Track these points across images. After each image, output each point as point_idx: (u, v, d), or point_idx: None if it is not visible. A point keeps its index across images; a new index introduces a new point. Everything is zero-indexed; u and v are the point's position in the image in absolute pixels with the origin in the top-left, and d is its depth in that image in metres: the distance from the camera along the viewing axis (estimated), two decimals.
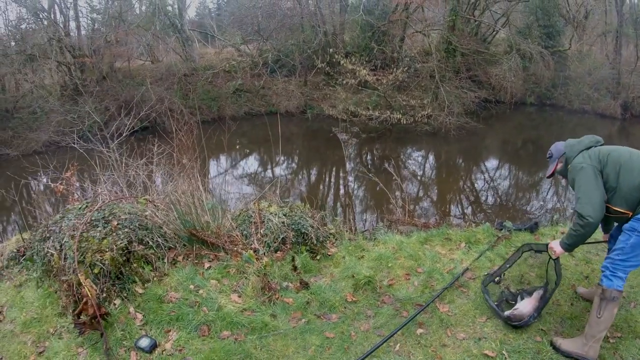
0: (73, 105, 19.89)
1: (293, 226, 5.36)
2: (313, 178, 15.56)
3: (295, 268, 4.92)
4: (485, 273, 4.94)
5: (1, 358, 4.45)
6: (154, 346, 3.90)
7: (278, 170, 16.49)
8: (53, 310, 4.79)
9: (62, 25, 23.47)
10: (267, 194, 6.60)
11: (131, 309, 4.39)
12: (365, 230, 6.66)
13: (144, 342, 3.94)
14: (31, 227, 6.72)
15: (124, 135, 7.21)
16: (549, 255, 4.22)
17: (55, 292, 4.96)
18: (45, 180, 7.04)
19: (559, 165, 3.97)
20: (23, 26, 24.71)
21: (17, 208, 13.35)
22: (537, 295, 4.24)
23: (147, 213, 5.09)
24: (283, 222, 5.33)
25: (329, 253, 5.42)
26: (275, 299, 4.44)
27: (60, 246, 4.93)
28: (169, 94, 19.56)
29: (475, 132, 18.31)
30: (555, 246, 3.87)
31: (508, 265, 4.64)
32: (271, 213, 5.43)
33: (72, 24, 24.18)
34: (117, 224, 4.80)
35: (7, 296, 5.42)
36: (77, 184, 6.59)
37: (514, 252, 4.69)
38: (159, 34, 24.35)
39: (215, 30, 29.73)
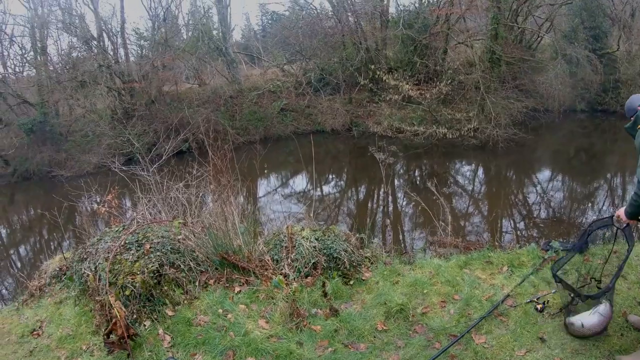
0: (123, 128, 20.54)
1: (325, 251, 5.26)
2: (361, 196, 15.44)
3: (325, 294, 4.81)
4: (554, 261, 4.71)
5: None
6: None
7: (326, 189, 16.48)
8: (87, 328, 4.91)
9: (111, 53, 24.42)
10: (305, 216, 6.53)
11: (160, 331, 4.43)
12: (405, 253, 6.47)
13: None
14: (76, 247, 6.92)
15: (163, 158, 7.36)
16: (617, 227, 4.05)
17: (90, 311, 5.09)
18: (90, 202, 7.23)
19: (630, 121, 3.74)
20: (74, 54, 25.89)
21: (70, 227, 13.83)
22: (604, 310, 3.92)
23: (180, 237, 5.12)
24: (314, 247, 5.23)
25: (363, 278, 5.27)
26: (303, 326, 4.35)
27: (95, 267, 5.06)
28: (216, 115, 19.93)
29: (524, 144, 17.78)
30: (621, 213, 3.77)
31: (577, 250, 4.48)
32: (303, 237, 5.34)
33: (121, 51, 25.12)
34: (150, 247, 4.87)
35: (47, 312, 5.62)
36: (119, 206, 6.71)
37: (580, 235, 4.48)
38: (204, 58, 24.93)
39: (261, 51, 30.17)
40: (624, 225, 3.89)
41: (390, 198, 14.35)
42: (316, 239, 5.33)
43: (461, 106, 19.77)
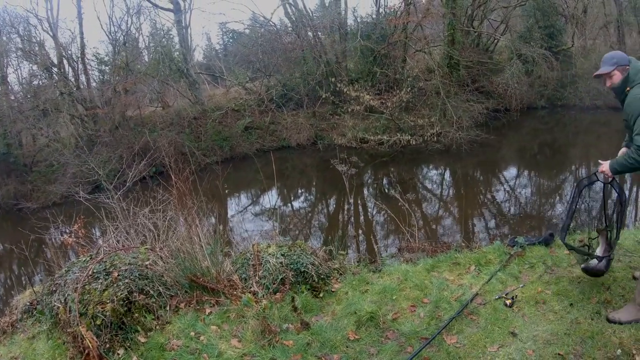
0: (88, 156, 20.30)
1: (292, 265, 5.29)
2: (331, 209, 15.51)
3: (295, 309, 4.85)
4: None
5: None
6: None
7: (296, 204, 16.51)
8: None
9: (72, 79, 24.14)
10: (270, 233, 6.58)
11: (134, 358, 4.43)
12: (373, 262, 6.53)
13: None
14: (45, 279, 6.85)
15: (127, 185, 7.37)
16: (602, 181, 4.30)
17: (64, 344, 5.02)
18: (58, 233, 7.16)
19: (617, 76, 3.77)
20: (35, 82, 25.54)
21: (41, 260, 13.59)
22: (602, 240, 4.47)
23: (147, 262, 5.14)
24: (281, 263, 5.27)
25: (332, 289, 5.33)
26: (275, 342, 4.37)
27: (65, 299, 5.02)
28: (181, 137, 19.85)
29: (488, 144, 18.16)
30: (605, 169, 3.93)
31: (574, 208, 4.62)
32: (269, 254, 5.38)
33: (82, 77, 24.85)
34: (118, 275, 4.87)
35: (20, 348, 5.56)
36: (87, 235, 6.67)
37: (573, 194, 4.58)
38: (166, 80, 24.84)
39: (224, 70, 30.17)
40: (610, 179, 4.13)
41: (360, 208, 14.46)
42: (282, 255, 5.37)
43: (423, 112, 20.04)
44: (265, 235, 9.42)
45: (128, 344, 4.57)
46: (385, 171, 17.57)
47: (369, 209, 14.24)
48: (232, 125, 22.86)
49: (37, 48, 24.39)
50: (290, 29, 24.47)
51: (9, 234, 21.93)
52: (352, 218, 13.84)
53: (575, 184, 4.63)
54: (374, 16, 24.36)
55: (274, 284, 5.11)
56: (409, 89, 18.29)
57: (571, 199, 4.57)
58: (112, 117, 22.29)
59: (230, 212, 15.95)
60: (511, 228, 11.10)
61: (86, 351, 4.26)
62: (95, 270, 4.95)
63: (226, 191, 16.88)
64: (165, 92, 25.90)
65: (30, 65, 25.61)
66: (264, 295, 4.99)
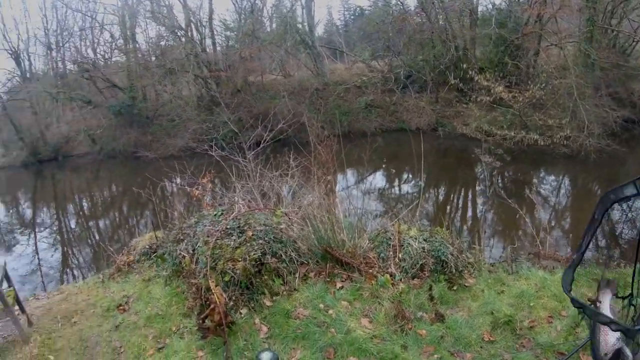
0: (208, 115, 20.99)
1: (433, 252, 5.01)
2: (440, 198, 15.02)
3: (432, 298, 4.59)
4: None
5: (120, 347, 4.61)
6: None
7: (405, 188, 16.16)
8: (178, 309, 4.91)
9: (198, 42, 25.03)
10: (404, 216, 6.29)
11: (257, 320, 4.36)
12: (504, 261, 6.11)
13: (266, 356, 3.76)
14: (165, 226, 6.97)
15: (261, 146, 7.31)
16: None
17: (182, 293, 5.09)
18: (181, 183, 7.29)
19: None
20: (162, 43, 26.84)
21: (151, 206, 14.23)
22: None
23: (282, 226, 5.02)
24: (423, 248, 5.00)
25: (466, 284, 5.00)
26: (408, 329, 4.14)
27: (193, 250, 5.03)
28: (301, 107, 19.91)
29: (615, 156, 16.73)
30: None
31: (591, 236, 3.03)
32: (411, 237, 5.11)
33: (208, 41, 25.77)
34: (252, 235, 4.77)
35: (134, 288, 5.72)
36: (212, 190, 6.72)
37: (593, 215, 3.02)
38: (290, 50, 25.06)
39: (344, 46, 30.04)
40: None
41: (469, 203, 13.89)
42: (424, 240, 5.09)
43: (552, 112, 18.80)
44: (372, 215, 9.19)
45: (252, 305, 4.50)
46: (501, 169, 16.72)
47: (478, 205, 13.62)
48: (353, 101, 22.67)
49: (165, 11, 25.47)
50: (419, 9, 23.71)
51: (124, 178, 23.38)
52: (465, 211, 13.31)
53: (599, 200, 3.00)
54: (506, 3, 23.13)
55: (413, 268, 4.84)
56: (542, 85, 17.16)
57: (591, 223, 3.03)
58: (235, 80, 22.91)
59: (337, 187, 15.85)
60: (622, 253, 10.15)
61: (211, 306, 4.18)
62: (228, 227, 4.88)
63: (384, 165, 16.82)
64: (287, 61, 26.20)
65: (158, 26, 26.96)
66: (401, 279, 4.73)
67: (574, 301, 3.01)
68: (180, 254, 5.33)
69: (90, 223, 17.58)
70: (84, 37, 33.03)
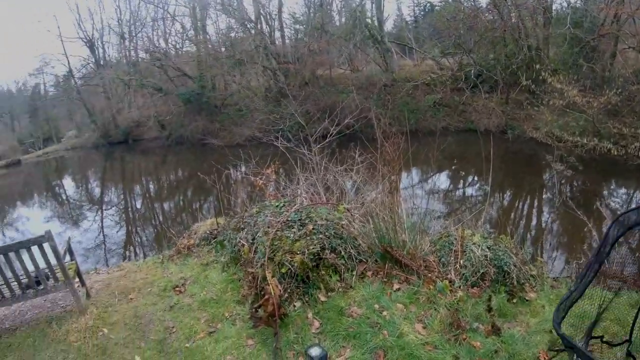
0: (276, 106, 21.19)
1: (496, 262, 4.81)
2: (505, 204, 14.55)
3: (490, 309, 4.39)
4: None
5: (173, 327, 4.71)
6: (324, 358, 3.64)
7: (470, 191, 15.79)
8: (232, 296, 4.99)
9: (267, 35, 25.36)
10: (467, 221, 6.08)
11: (309, 315, 4.34)
12: (567, 277, 5.78)
13: (315, 352, 3.74)
14: (227, 213, 7.13)
15: (327, 140, 7.28)
16: None
17: (238, 280, 5.16)
18: (245, 171, 7.36)
19: None
20: (232, 34, 27.45)
21: (215, 192, 14.44)
22: None
23: (343, 222, 4.95)
24: (486, 256, 4.81)
25: (527, 298, 4.77)
26: (462, 339, 3.98)
27: (253, 239, 5.08)
28: (368, 103, 19.71)
29: None
30: None
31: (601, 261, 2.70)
32: (474, 243, 4.94)
33: (277, 34, 26.11)
34: (313, 229, 4.74)
35: (192, 272, 5.86)
36: (275, 181, 6.74)
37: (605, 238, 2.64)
38: (358, 45, 24.95)
39: (413, 42, 29.63)
40: None
41: (534, 210, 13.38)
42: (487, 247, 4.90)
43: (627, 120, 17.82)
44: (432, 218, 8.97)
45: (307, 299, 4.48)
46: (571, 178, 15.99)
47: (544, 214, 13.09)
48: (421, 99, 22.32)
49: (235, 3, 25.94)
50: (490, 6, 22.96)
51: (190, 163, 23.99)
52: (529, 220, 12.82)
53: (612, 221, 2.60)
54: (582, 1, 21.97)
55: (474, 276, 4.67)
56: (618, 90, 16.27)
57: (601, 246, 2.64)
58: (303, 73, 23.04)
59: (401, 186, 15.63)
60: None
61: (266, 296, 4.20)
62: (289, 219, 4.88)
63: (453, 167, 16.46)
64: (355, 56, 26.11)
65: (228, 18, 27.52)
66: (460, 286, 4.59)
67: (564, 339, 2.79)
68: (239, 242, 5.40)
69: (155, 205, 18.15)
70: (156, 27, 34.83)
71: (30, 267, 4.99)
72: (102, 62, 40.11)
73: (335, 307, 4.38)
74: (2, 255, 4.82)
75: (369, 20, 25.62)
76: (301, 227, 4.81)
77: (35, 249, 4.94)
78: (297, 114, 14.60)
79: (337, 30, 25.19)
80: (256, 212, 5.61)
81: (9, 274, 4.96)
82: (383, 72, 23.80)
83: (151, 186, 22.57)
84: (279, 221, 4.85)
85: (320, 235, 4.71)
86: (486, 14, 22.60)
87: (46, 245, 4.93)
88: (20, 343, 5.15)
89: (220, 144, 21.85)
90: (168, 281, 5.79)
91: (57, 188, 28.28)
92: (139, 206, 18.71)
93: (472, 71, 22.12)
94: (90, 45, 38.85)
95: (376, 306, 4.36)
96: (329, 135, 7.22)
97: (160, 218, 15.89)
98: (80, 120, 46.23)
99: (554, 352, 3.55)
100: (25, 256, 4.90)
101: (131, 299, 5.58)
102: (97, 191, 24.53)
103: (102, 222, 15.31)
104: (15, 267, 4.88)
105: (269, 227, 4.94)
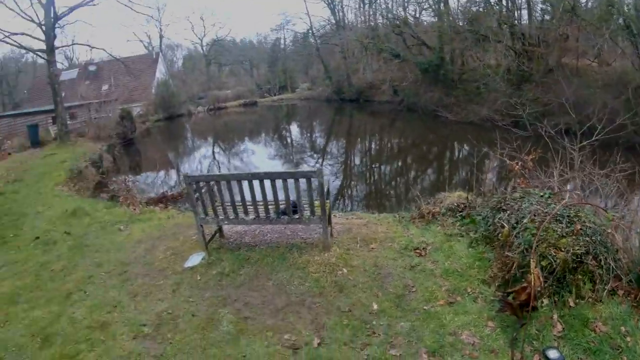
0: (515, 90, 20.33)
1: None
2: None
3: None
4: None
5: (413, 287, 5.09)
6: None
7: None
8: (478, 273, 5.21)
9: (512, 13, 24.11)
10: None
11: (554, 316, 4.34)
12: None
13: (554, 354, 3.80)
14: (479, 191, 7.34)
15: (594, 137, 6.95)
16: None
17: (488, 260, 5.34)
18: (500, 152, 7.24)
19: None
20: (474, 8, 26.60)
21: (436, 164, 14.29)
22: None
23: (609, 230, 4.81)
24: None
25: None
26: None
27: (516, 223, 5.15)
28: (616, 104, 17.86)
29: None
30: None
31: None
32: None
33: (524, 13, 24.58)
34: (580, 229, 4.69)
35: (434, 238, 6.23)
36: (529, 170, 6.61)
37: None
38: (611, 35, 22.34)
39: None
40: None
41: None
42: None
43: None
44: None
45: (555, 299, 4.47)
46: None
47: None
48: None
49: None
50: None
51: (416, 131, 24.30)
52: None
53: None
54: None
55: None
56: None
57: None
58: (547, 59, 21.63)
59: None
60: None
61: (523, 284, 4.25)
62: (559, 213, 4.87)
63: None
64: (603, 48, 23.52)
65: None
66: None
67: None
68: (498, 222, 5.53)
69: (373, 164, 18.78)
70: None
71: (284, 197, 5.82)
72: (341, 24, 42.20)
73: (582, 317, 4.31)
74: (269, 181, 5.58)
75: (625, 9, 22.66)
76: (569, 224, 4.79)
77: (302, 181, 5.64)
78: (535, 104, 13.82)
79: (588, 14, 22.73)
80: (519, 197, 5.68)
81: (270, 197, 5.74)
82: (636, 71, 21.15)
83: (373, 145, 23.40)
84: (549, 213, 4.84)
85: (587, 238, 4.65)
86: None
87: (314, 180, 5.60)
88: (259, 259, 5.97)
89: (454, 119, 21.75)
90: (409, 241, 6.24)
91: (284, 131, 30.90)
92: (357, 162, 19.57)
93: None
94: (332, 7, 41.12)
95: (622, 328, 4.18)
96: (595, 134, 6.89)
97: (376, 177, 16.48)
98: (315, 74, 49.62)
99: None
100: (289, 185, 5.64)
101: (372, 248, 6.14)
102: (319, 141, 26.21)
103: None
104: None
105: (535, 216, 5.00)
